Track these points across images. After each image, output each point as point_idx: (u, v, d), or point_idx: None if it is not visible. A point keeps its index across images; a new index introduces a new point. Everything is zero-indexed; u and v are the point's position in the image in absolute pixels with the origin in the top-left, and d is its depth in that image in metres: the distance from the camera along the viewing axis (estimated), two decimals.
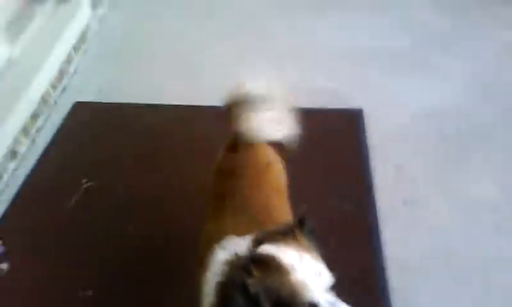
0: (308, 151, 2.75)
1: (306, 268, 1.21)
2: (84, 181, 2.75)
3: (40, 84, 3.19)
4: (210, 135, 2.89)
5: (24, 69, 3.02)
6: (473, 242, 2.35)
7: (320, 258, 1.28)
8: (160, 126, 3.10)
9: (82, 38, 3.81)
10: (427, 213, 2.51)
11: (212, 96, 3.18)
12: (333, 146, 2.89)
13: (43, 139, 3.09)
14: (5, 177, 2.79)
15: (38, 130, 3.13)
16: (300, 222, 1.34)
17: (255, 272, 1.19)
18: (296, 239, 1.30)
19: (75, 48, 3.68)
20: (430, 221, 2.48)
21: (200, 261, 1.49)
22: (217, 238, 1.49)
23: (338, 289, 1.24)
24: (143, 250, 2.38)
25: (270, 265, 1.21)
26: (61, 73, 3.47)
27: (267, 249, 1.25)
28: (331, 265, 1.26)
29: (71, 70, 3.61)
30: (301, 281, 1.18)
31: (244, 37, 3.85)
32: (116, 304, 2.19)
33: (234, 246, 1.37)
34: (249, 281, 1.17)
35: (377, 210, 2.50)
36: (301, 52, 3.66)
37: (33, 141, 3.06)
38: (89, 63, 3.75)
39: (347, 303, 1.21)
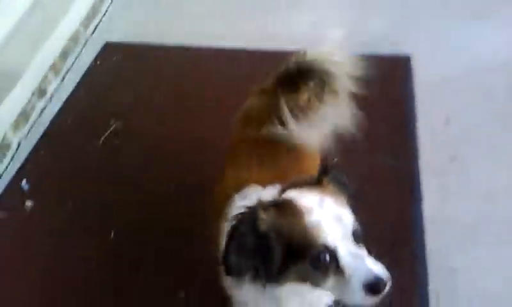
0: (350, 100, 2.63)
1: (326, 213, 1.08)
2: (112, 122, 2.67)
3: (70, 21, 3.09)
4: (242, 80, 2.82)
5: (53, 6, 2.91)
6: None
7: (349, 205, 1.15)
8: (192, 68, 2.95)
9: None
10: (474, 173, 2.27)
11: (248, 39, 3.15)
12: (377, 95, 2.62)
13: (73, 78, 3.01)
14: (33, 115, 2.74)
15: (68, 70, 3.05)
16: (325, 170, 1.21)
17: (270, 213, 1.10)
18: (322, 186, 1.17)
19: None
20: (477, 182, 2.24)
21: (217, 212, 1.39)
22: (237, 187, 1.38)
23: (374, 243, 1.14)
24: (169, 194, 2.28)
25: (286, 208, 1.11)
26: (93, 13, 3.35)
27: (288, 194, 1.16)
28: (369, 219, 1.14)
29: (103, 9, 3.48)
30: (316, 224, 1.05)
31: None
32: (137, 248, 2.12)
33: (257, 194, 1.25)
34: (260, 218, 1.08)
35: (421, 165, 2.29)
36: None
37: (62, 80, 2.98)
38: (122, 3, 3.60)
39: (380, 259, 1.06)
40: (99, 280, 2.02)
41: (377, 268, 1.04)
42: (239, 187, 1.37)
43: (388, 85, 2.69)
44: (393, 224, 2.05)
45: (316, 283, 1.08)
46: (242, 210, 1.13)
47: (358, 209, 1.15)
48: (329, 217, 1.07)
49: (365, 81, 2.65)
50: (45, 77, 2.83)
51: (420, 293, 1.86)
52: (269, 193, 1.24)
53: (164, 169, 2.40)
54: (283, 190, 1.19)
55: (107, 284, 2.00)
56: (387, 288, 1.02)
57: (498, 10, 3.07)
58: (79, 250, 2.12)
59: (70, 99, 2.87)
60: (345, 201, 1.15)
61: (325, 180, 1.18)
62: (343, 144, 2.34)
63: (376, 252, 1.09)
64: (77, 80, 2.98)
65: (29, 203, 2.31)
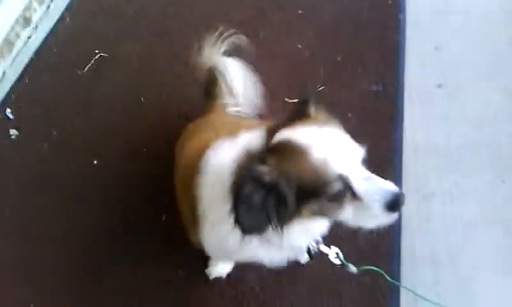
0: (342, 25, 2.58)
1: (329, 144, 1.03)
2: (96, 51, 2.63)
3: None
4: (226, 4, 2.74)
5: None
6: None
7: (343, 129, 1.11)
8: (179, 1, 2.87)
9: None
10: (461, 100, 2.23)
11: None
12: (368, 22, 2.60)
13: (58, 7, 2.92)
14: (18, 44, 2.70)
15: None
16: (304, 100, 1.16)
17: (270, 161, 1.03)
18: (311, 117, 1.12)
19: None
20: (463, 108, 2.20)
21: (186, 173, 1.37)
22: (205, 145, 1.32)
23: None
24: (153, 123, 2.29)
25: (285, 150, 1.05)
26: None
27: (281, 135, 1.08)
28: None
29: None
30: (323, 159, 1.01)
31: None
32: (120, 175, 2.15)
33: (236, 144, 1.18)
34: (263, 169, 1.02)
35: (408, 92, 2.26)
36: None
37: (47, 8, 2.91)
38: None
39: None
40: (81, 207, 2.06)
41: (391, 185, 1.03)
42: (207, 144, 1.31)
43: (379, 13, 2.65)
44: (372, 150, 2.03)
45: (334, 215, 1.07)
46: (237, 169, 1.08)
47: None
48: (333, 147, 1.03)
49: (357, 7, 2.63)
50: (30, 4, 2.76)
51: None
52: (250, 140, 1.16)
53: (149, 96, 2.39)
54: (270, 134, 1.12)
55: (89, 211, 2.05)
56: (405, 200, 1.03)
57: None
58: (61, 177, 2.16)
59: (55, 28, 2.80)
60: (340, 126, 1.11)
61: (312, 111, 1.14)
62: (330, 69, 2.34)
63: None
64: (62, 9, 2.90)
65: (13, 132, 2.33)
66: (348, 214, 1.05)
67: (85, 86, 2.51)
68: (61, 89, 2.52)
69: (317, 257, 1.41)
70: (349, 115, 2.14)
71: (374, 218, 1.03)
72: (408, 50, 2.43)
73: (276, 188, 1.02)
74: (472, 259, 1.77)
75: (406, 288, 1.59)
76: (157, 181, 2.04)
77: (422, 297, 1.47)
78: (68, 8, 2.91)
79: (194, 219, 1.33)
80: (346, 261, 1.39)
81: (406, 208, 1.79)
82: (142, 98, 2.39)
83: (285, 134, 1.07)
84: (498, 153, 2.02)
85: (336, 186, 1.01)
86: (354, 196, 1.02)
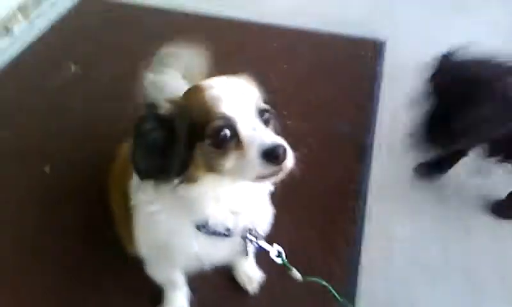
0: (319, 71, 2.61)
1: (229, 87, 1.02)
2: (72, 66, 2.60)
3: None
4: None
5: None
6: None
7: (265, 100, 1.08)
8: (167, 31, 2.89)
9: None
10: None
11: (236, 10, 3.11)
12: (348, 71, 2.65)
13: (43, 23, 2.94)
14: None
15: (40, 15, 2.99)
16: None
17: (173, 100, 1.03)
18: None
19: None
20: None
21: (120, 172, 1.37)
22: None
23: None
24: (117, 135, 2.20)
25: (191, 90, 1.06)
26: None
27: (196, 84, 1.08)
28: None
29: None
30: (216, 97, 0.98)
31: None
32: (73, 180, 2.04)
33: None
34: (163, 106, 1.01)
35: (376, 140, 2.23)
36: None
37: (32, 23, 2.92)
38: None
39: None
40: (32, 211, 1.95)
41: (277, 138, 0.97)
42: None
43: (359, 64, 2.71)
44: (338, 188, 1.99)
45: (218, 164, 0.99)
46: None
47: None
48: (232, 91, 1.00)
49: (340, 58, 2.68)
50: (13, 15, 2.77)
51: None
52: None
53: (113, 112, 2.32)
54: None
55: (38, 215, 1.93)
56: (288, 156, 0.96)
57: (478, 7, 3.09)
58: (13, 179, 2.07)
59: (35, 41, 2.81)
60: (258, 89, 1.09)
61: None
62: (304, 108, 2.33)
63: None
64: (46, 26, 2.92)
65: None
66: (231, 163, 0.98)
67: (52, 97, 2.46)
68: (29, 97, 2.46)
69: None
70: (316, 152, 2.10)
71: (251, 166, 0.95)
72: (382, 100, 2.43)
73: (172, 126, 0.99)
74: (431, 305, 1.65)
75: None
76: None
77: None
78: (52, 25, 2.93)
79: (127, 218, 1.26)
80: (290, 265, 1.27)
81: (368, 250, 1.77)
82: (106, 112, 2.32)
83: (199, 83, 1.06)
84: (466, 202, 1.96)
85: (218, 124, 0.96)
86: (239, 145, 0.97)
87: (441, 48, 2.72)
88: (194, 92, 1.03)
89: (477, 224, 1.89)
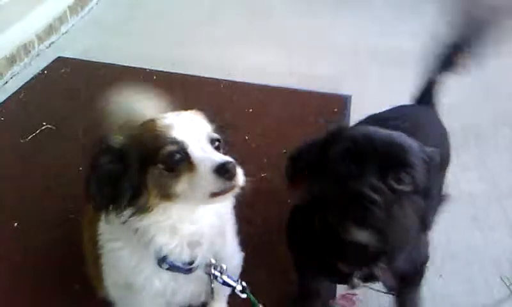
0: (288, 125, 2.69)
1: (182, 117, 1.09)
2: (44, 124, 2.62)
3: (23, 31, 3.12)
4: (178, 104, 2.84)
5: (8, 12, 2.96)
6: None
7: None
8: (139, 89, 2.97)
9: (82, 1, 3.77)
10: None
11: (206, 69, 3.25)
12: (313, 124, 2.73)
13: (16, 84, 2.98)
14: None
15: (13, 75, 3.03)
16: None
17: (127, 131, 1.10)
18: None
19: (71, 9, 3.62)
20: None
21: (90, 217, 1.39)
22: None
23: None
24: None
25: (144, 123, 1.11)
26: (51, 29, 3.41)
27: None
28: None
29: (63, 29, 3.54)
30: (168, 124, 1.05)
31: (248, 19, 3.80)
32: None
33: None
34: (115, 137, 1.06)
35: None
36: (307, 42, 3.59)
37: (5, 84, 2.95)
38: (84, 27, 3.69)
39: None
40: None
41: (226, 158, 1.04)
42: None
43: (326, 118, 2.79)
44: None
45: (171, 188, 1.03)
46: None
47: None
48: (182, 119, 1.08)
49: (307, 113, 2.79)
50: None
51: None
52: None
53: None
54: None
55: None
56: (238, 170, 1.03)
57: None
58: None
59: (7, 100, 2.82)
60: (208, 124, 1.15)
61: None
62: (273, 160, 2.38)
63: None
64: (20, 86, 2.95)
65: None
66: (184, 185, 1.02)
67: (23, 153, 2.45)
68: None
69: None
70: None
71: (204, 183, 1.00)
72: None
73: (125, 156, 1.03)
74: None
75: None
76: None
77: None
78: (25, 85, 2.97)
79: (97, 258, 1.28)
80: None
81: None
82: (80, 168, 2.32)
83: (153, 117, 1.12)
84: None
85: (170, 148, 1.01)
86: (191, 166, 1.02)
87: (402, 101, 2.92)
88: (147, 122, 1.09)
89: None
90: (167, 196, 1.04)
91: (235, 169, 1.01)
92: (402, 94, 3.00)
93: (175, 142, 1.02)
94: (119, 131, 1.08)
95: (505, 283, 1.83)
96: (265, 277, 1.79)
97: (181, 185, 1.02)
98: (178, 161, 1.02)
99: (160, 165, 1.02)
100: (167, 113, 1.12)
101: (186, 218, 1.11)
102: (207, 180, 1.00)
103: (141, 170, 1.03)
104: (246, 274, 1.45)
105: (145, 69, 3.16)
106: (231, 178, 1.00)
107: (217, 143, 1.10)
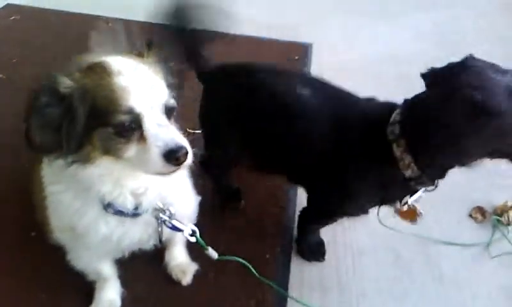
0: None
1: (137, 78, 1.00)
2: None
3: None
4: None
5: None
6: None
7: (169, 82, 1.10)
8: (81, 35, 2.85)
9: None
10: None
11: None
12: None
13: None
14: None
15: None
16: (149, 45, 1.14)
17: (74, 76, 1.00)
18: (142, 57, 1.11)
19: None
20: None
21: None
22: None
23: None
24: None
25: (94, 69, 1.02)
26: None
27: (100, 57, 1.05)
28: None
29: None
30: (124, 87, 0.97)
31: None
32: None
33: None
34: (61, 82, 0.98)
35: None
36: None
37: None
38: None
39: None
40: None
41: (180, 138, 1.00)
42: None
43: (287, 65, 2.77)
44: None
45: (118, 151, 1.00)
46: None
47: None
48: (139, 82, 1.00)
49: (267, 61, 2.76)
50: None
51: None
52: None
53: None
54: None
55: None
56: (188, 158, 1.00)
57: (406, 14, 3.31)
58: None
59: None
60: (163, 75, 1.09)
61: (146, 53, 1.12)
62: None
63: None
64: None
65: None
66: (131, 154, 1.00)
67: None
68: None
69: None
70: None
71: (152, 163, 0.99)
72: None
73: (69, 102, 0.97)
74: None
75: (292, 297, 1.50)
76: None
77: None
78: None
79: (42, 203, 1.25)
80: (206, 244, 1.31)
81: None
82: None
83: (103, 58, 1.04)
84: None
85: (127, 119, 0.97)
86: (142, 136, 0.99)
87: (364, 51, 2.93)
88: (99, 73, 1.00)
89: None
90: (111, 155, 1.02)
91: (185, 157, 0.99)
92: (364, 45, 3.05)
93: (131, 112, 0.97)
94: (66, 73, 1.00)
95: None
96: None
97: (128, 153, 1.00)
98: (131, 130, 0.98)
99: (110, 129, 0.97)
100: (121, 60, 1.04)
101: (130, 174, 1.09)
102: (155, 161, 0.98)
103: (88, 125, 0.98)
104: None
105: (100, 16, 3.02)
106: (180, 164, 0.99)
107: (170, 109, 1.05)
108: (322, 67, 2.77)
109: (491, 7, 3.45)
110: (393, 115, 1.30)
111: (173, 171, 1.01)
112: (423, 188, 1.37)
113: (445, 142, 1.17)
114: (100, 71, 1.00)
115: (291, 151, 1.53)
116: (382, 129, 1.30)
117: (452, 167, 1.27)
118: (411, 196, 1.40)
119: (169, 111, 1.04)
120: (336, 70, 2.77)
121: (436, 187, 1.35)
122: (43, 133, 0.99)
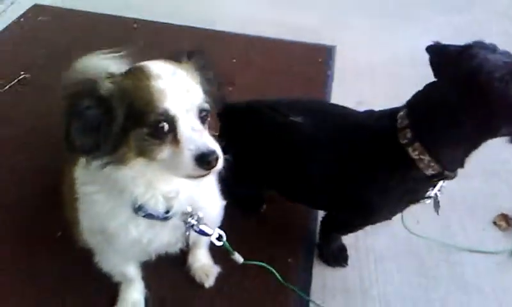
0: (274, 79, 2.65)
1: (174, 82, 1.02)
2: (22, 72, 2.55)
3: None
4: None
5: None
6: None
7: (205, 88, 1.10)
8: (119, 38, 2.89)
9: None
10: None
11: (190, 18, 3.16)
12: (298, 74, 2.71)
13: None
14: None
15: None
16: (190, 53, 1.15)
17: (114, 78, 1.03)
18: (181, 63, 1.11)
19: None
20: None
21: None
22: None
23: None
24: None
25: (134, 72, 1.05)
26: None
27: (139, 64, 1.08)
28: None
29: None
30: (161, 89, 0.99)
31: None
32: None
33: None
34: (102, 84, 1.00)
35: None
36: None
37: None
38: None
39: None
40: None
41: (212, 143, 1.01)
42: None
43: (309, 68, 2.76)
44: None
45: (152, 153, 1.02)
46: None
47: None
48: (176, 86, 1.02)
49: (292, 63, 2.76)
50: None
51: None
52: None
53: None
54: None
55: None
56: (219, 163, 1.01)
57: (427, 17, 3.27)
58: None
59: None
60: (200, 81, 1.10)
61: (185, 59, 1.13)
62: None
63: None
64: None
65: None
66: (164, 156, 1.02)
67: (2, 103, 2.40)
68: None
69: None
70: None
71: (183, 166, 1.00)
72: (333, 101, 2.51)
73: (109, 104, 0.99)
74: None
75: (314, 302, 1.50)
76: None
77: None
78: (2, 33, 2.87)
79: (73, 202, 1.27)
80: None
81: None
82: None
83: (143, 63, 1.06)
84: None
85: (163, 120, 0.99)
86: (176, 139, 1.00)
87: (385, 54, 2.90)
88: (138, 76, 1.03)
89: None
90: (145, 157, 1.04)
91: (216, 161, 1.00)
92: (387, 47, 3.02)
93: (166, 114, 0.99)
94: (107, 77, 1.03)
95: None
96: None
97: (161, 155, 1.02)
98: (165, 132, 1.00)
99: (145, 129, 1.00)
100: (160, 64, 1.05)
101: (162, 178, 1.10)
102: (187, 164, 0.99)
103: (124, 126, 1.00)
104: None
105: (125, 17, 3.06)
106: (211, 168, 1.00)
107: (205, 113, 1.07)
108: (343, 70, 2.76)
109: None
110: (399, 119, 1.31)
111: (204, 175, 1.02)
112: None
113: (455, 126, 1.20)
114: (140, 74, 1.03)
115: (304, 180, 1.55)
116: (392, 137, 1.31)
117: (470, 154, 1.29)
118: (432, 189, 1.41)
119: (203, 116, 1.06)
120: (358, 72, 2.78)
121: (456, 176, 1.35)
122: (83, 135, 1.01)
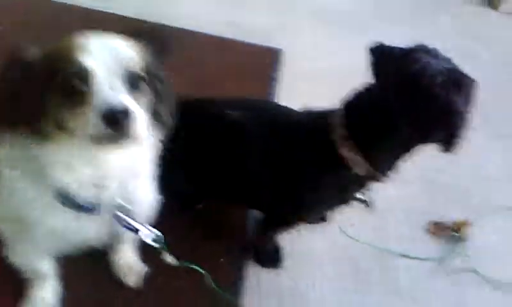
0: (220, 77, 2.57)
1: (100, 42, 0.90)
2: None
3: None
4: None
5: None
6: None
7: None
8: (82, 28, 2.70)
9: None
10: None
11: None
12: (248, 76, 2.66)
13: None
14: None
15: None
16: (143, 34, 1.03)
17: (47, 48, 0.92)
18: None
19: None
20: None
21: None
22: None
23: None
24: None
25: (63, 40, 0.92)
26: None
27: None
28: None
29: None
30: (81, 45, 0.87)
31: None
32: None
33: None
34: (27, 51, 0.91)
35: None
36: None
37: None
38: None
39: None
40: None
41: (131, 104, 0.86)
42: None
43: (259, 69, 2.75)
44: None
45: (64, 119, 0.88)
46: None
47: None
48: (101, 44, 0.89)
49: (238, 64, 2.72)
50: None
51: None
52: None
53: None
54: None
55: None
56: (133, 126, 0.85)
57: (377, 27, 3.32)
58: None
59: None
60: (140, 50, 0.97)
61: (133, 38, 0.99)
62: None
63: None
64: None
65: None
66: (76, 117, 0.87)
67: None
68: None
69: None
70: None
71: (89, 123, 0.84)
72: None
73: (33, 70, 0.88)
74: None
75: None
76: None
77: None
78: None
79: None
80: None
81: None
82: None
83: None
84: None
85: (72, 69, 0.85)
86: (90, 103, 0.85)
87: (335, 61, 2.93)
88: (67, 40, 0.91)
89: None
90: (63, 128, 0.90)
91: (127, 120, 0.84)
92: (334, 54, 3.05)
93: (78, 67, 0.85)
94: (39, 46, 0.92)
95: None
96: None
97: (73, 120, 0.87)
98: (77, 91, 0.85)
99: (59, 92, 0.87)
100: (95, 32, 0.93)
101: (84, 158, 0.96)
102: (91, 120, 0.84)
103: (44, 92, 0.88)
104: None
105: (77, 6, 2.89)
106: (119, 129, 0.84)
107: (138, 82, 0.92)
108: (291, 74, 2.75)
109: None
110: (334, 117, 1.31)
111: (115, 140, 0.86)
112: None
113: (389, 129, 1.20)
114: (69, 39, 0.91)
115: (240, 176, 1.51)
116: (326, 134, 1.30)
117: (401, 157, 1.29)
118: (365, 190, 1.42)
119: (134, 83, 0.91)
120: (305, 77, 2.78)
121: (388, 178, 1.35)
122: (10, 106, 0.90)
